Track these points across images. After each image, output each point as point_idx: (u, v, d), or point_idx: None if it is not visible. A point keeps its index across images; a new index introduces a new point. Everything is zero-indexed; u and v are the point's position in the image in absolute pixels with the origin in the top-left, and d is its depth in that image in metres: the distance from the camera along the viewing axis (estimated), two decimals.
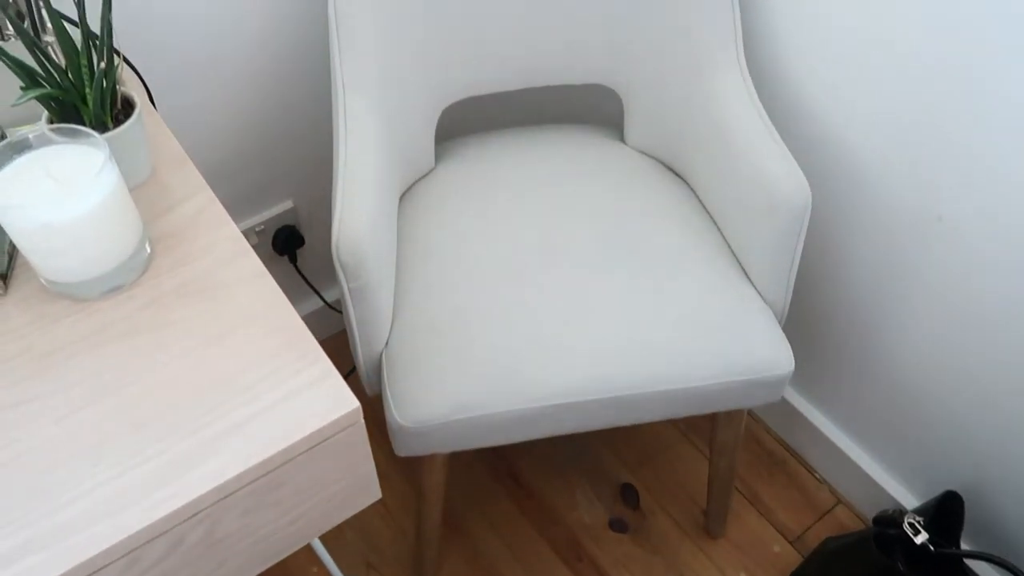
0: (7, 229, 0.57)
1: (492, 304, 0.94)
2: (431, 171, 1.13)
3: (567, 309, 0.94)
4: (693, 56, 1.04)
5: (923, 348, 1.04)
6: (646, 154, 1.16)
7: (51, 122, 0.65)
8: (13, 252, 0.65)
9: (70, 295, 0.62)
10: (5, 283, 0.63)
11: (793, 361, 0.94)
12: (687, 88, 1.05)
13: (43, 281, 0.62)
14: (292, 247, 1.29)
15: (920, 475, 1.14)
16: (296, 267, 1.33)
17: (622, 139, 1.19)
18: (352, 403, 0.56)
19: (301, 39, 1.10)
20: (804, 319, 1.20)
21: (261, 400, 0.56)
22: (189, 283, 0.63)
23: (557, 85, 1.29)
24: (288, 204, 1.26)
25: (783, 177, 0.92)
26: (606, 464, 1.31)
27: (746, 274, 1.01)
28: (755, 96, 1.00)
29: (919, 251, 0.99)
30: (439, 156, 1.16)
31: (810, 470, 1.30)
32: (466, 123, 1.35)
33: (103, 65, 0.60)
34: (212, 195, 0.68)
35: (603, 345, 0.92)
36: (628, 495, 1.28)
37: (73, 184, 0.57)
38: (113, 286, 0.62)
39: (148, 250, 0.64)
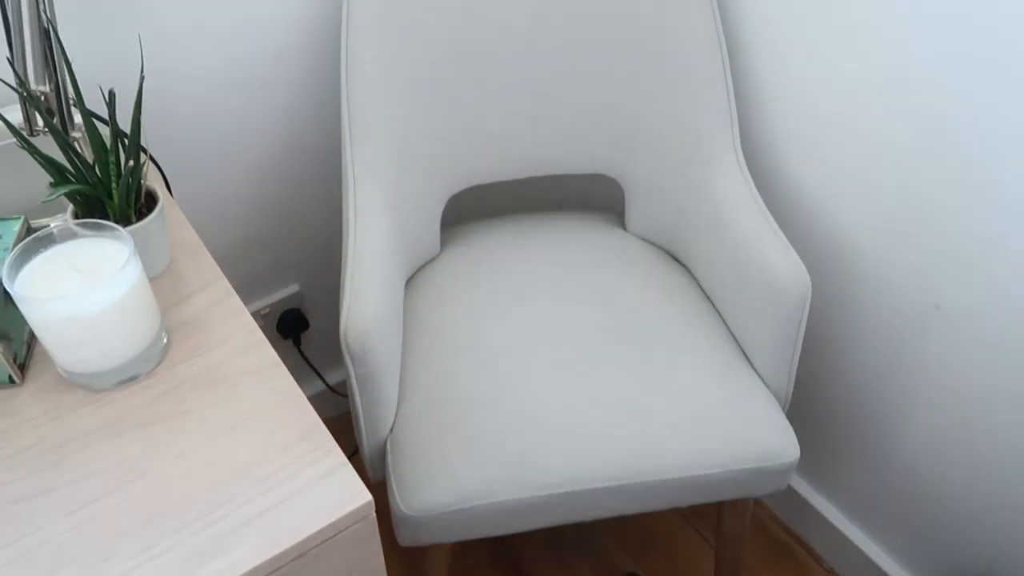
0: (30, 320, 0.58)
1: (498, 391, 0.95)
2: (436, 257, 1.16)
3: (572, 397, 0.94)
4: (692, 148, 1.08)
5: (929, 436, 1.04)
6: (647, 241, 1.18)
7: (76, 216, 0.67)
8: (32, 341, 0.66)
9: (87, 385, 0.62)
10: (23, 372, 0.63)
11: (798, 449, 0.94)
12: (686, 178, 1.09)
13: (60, 371, 0.63)
14: (297, 330, 1.30)
15: (929, 565, 1.12)
16: (300, 350, 1.33)
17: (623, 226, 1.21)
18: (364, 496, 0.56)
19: (311, 131, 1.14)
20: (808, 405, 1.21)
21: (274, 493, 0.56)
22: (204, 373, 0.63)
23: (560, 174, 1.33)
24: (294, 287, 1.28)
25: (783, 266, 0.94)
26: (610, 552, 1.29)
27: (749, 361, 1.02)
28: (752, 186, 1.03)
29: (919, 339, 1.00)
30: (444, 242, 1.18)
31: (817, 559, 1.28)
32: (471, 208, 1.38)
33: (131, 163, 0.63)
34: (228, 285, 0.70)
35: (609, 434, 0.92)
36: None
37: (97, 277, 0.59)
38: (130, 376, 0.63)
39: (165, 339, 0.65)
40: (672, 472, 0.91)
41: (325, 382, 1.39)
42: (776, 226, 0.98)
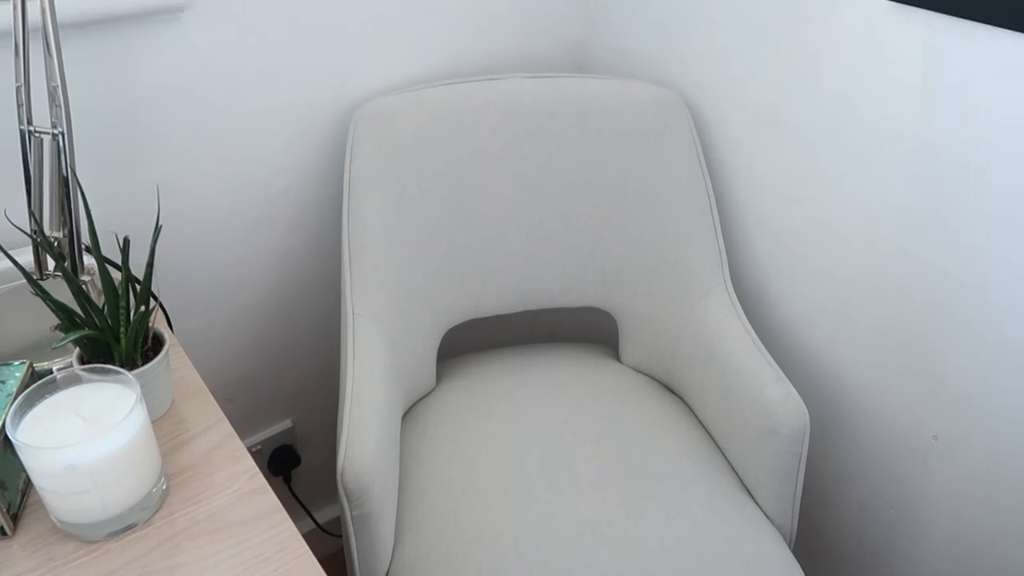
0: (30, 469, 0.57)
1: (497, 532, 0.92)
2: (433, 390, 1.15)
3: (574, 539, 0.92)
4: (682, 282, 1.10)
5: (939, 566, 1.02)
6: (642, 372, 1.19)
7: (82, 359, 0.67)
8: (27, 489, 0.64)
9: (81, 536, 0.60)
10: (15, 522, 0.61)
11: None
12: (678, 312, 1.11)
13: (55, 520, 0.61)
14: (288, 467, 1.28)
15: None
16: (290, 488, 1.30)
17: (617, 357, 1.22)
18: None
19: (311, 267, 1.16)
20: (814, 542, 1.18)
21: None
22: (203, 521, 0.62)
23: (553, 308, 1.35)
24: (287, 423, 1.26)
25: (780, 400, 0.95)
26: None
27: (751, 495, 1.00)
28: (744, 319, 1.05)
29: (918, 470, 1.00)
30: (440, 376, 1.18)
31: None
32: (465, 341, 1.39)
33: (143, 308, 0.64)
34: (230, 428, 0.69)
35: (611, 574, 0.89)
36: None
37: (101, 424, 0.58)
38: (126, 525, 0.61)
39: (164, 486, 0.64)
40: None
41: (316, 521, 1.34)
42: (771, 358, 0.99)
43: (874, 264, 0.97)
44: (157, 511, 0.63)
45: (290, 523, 0.61)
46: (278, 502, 0.63)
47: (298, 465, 1.30)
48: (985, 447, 0.92)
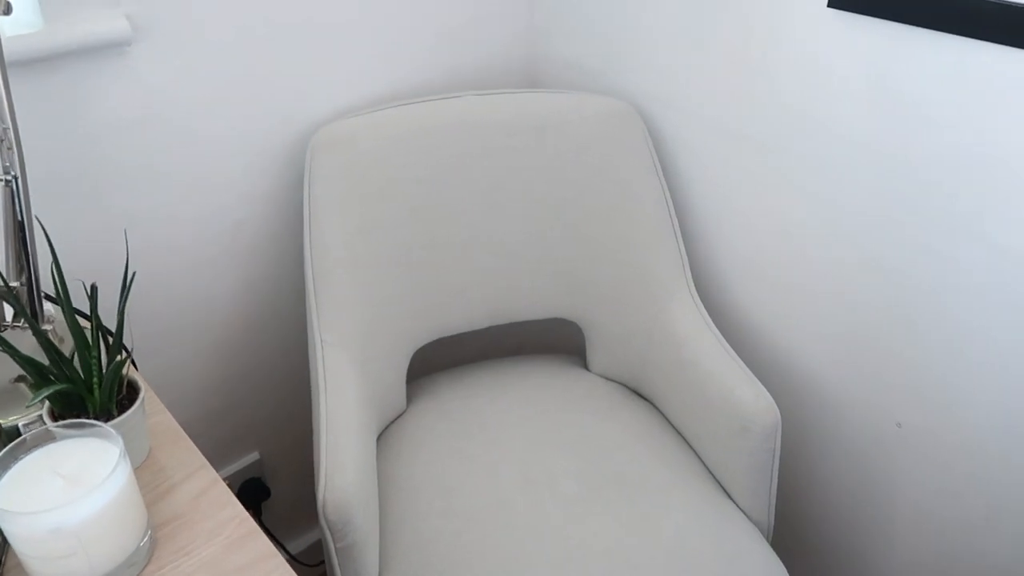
0: (10, 535, 0.54)
1: (484, 554, 0.92)
2: (403, 413, 1.14)
3: (559, 554, 0.92)
4: (647, 290, 1.12)
5: (911, 555, 1.05)
6: (610, 379, 1.20)
7: (53, 413, 0.64)
8: (3, 553, 0.61)
9: None
10: None
11: None
12: (645, 320, 1.12)
13: None
14: (258, 500, 1.25)
15: None
16: (260, 520, 1.27)
17: (585, 366, 1.23)
18: None
19: (269, 300, 1.14)
20: (790, 534, 1.21)
21: None
22: (196, 572, 0.60)
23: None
24: (255, 455, 1.24)
25: (751, 400, 0.97)
26: None
27: (728, 494, 1.02)
28: (711, 323, 1.07)
29: (885, 458, 1.03)
30: (409, 397, 1.17)
31: None
32: (432, 359, 1.38)
33: (118, 358, 0.61)
34: (214, 473, 0.67)
35: None
36: None
37: (84, 482, 0.56)
38: None
39: (150, 540, 0.62)
40: None
41: (289, 553, 1.32)
42: (740, 361, 1.02)
43: (832, 265, 1.00)
44: (145, 566, 0.61)
45: (286, 566, 0.60)
46: (271, 546, 0.62)
47: (268, 497, 1.27)
48: (945, 434, 0.95)
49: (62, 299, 0.62)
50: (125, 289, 0.63)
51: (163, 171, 0.95)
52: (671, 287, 1.11)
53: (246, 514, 0.64)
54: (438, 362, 1.39)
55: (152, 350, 1.03)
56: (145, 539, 0.61)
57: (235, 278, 1.08)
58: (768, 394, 0.97)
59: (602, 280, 1.15)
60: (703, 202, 1.12)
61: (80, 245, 0.91)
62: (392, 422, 1.13)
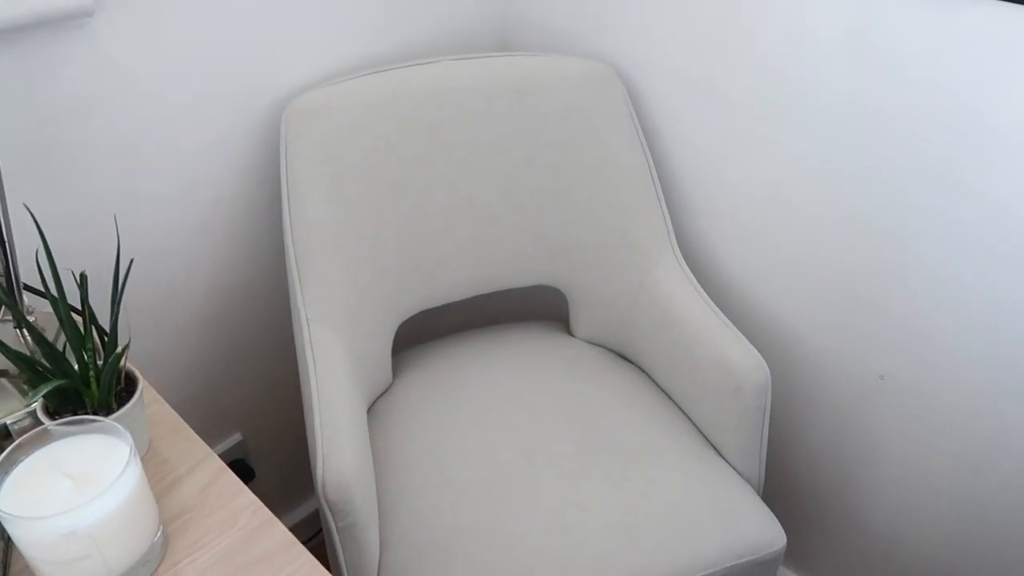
0: (20, 542, 0.52)
1: (484, 526, 0.92)
2: (390, 387, 1.13)
3: (560, 521, 0.93)
4: (631, 254, 1.12)
5: (894, 504, 1.09)
6: (596, 344, 1.21)
7: (48, 409, 0.61)
8: (7, 557, 0.59)
9: None
10: None
11: (784, 536, 0.96)
12: (630, 284, 1.12)
13: None
14: (243, 481, 1.22)
15: None
16: None
17: (569, 331, 1.23)
18: None
19: (248, 279, 1.11)
20: (778, 488, 1.24)
21: None
22: (214, 567, 0.58)
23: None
24: (237, 437, 1.21)
25: (740, 359, 0.98)
26: None
27: (719, 452, 1.04)
28: (697, 285, 1.08)
29: (868, 409, 1.06)
30: (395, 370, 1.16)
31: None
32: (415, 331, 1.37)
33: (118, 349, 0.59)
34: (220, 463, 0.65)
35: (604, 552, 0.90)
36: None
37: (93, 481, 0.54)
38: None
39: (162, 536, 0.60)
40: None
41: None
42: (727, 320, 1.02)
43: (815, 223, 1.01)
44: (160, 564, 0.59)
45: (308, 555, 0.59)
46: (291, 535, 0.60)
47: (252, 478, 1.25)
48: (930, 387, 0.98)
49: (57, 288, 0.59)
50: (119, 279, 0.60)
51: (132, 149, 0.91)
52: (655, 250, 1.11)
53: (259, 503, 0.62)
54: (422, 334, 1.37)
55: (129, 335, 0.99)
56: (158, 535, 0.59)
57: (213, 257, 1.04)
58: (757, 353, 0.98)
59: (585, 245, 1.15)
60: (685, 164, 1.12)
61: (48, 229, 0.86)
62: (379, 397, 1.12)
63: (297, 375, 1.26)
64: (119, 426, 0.55)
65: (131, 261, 0.60)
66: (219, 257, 1.05)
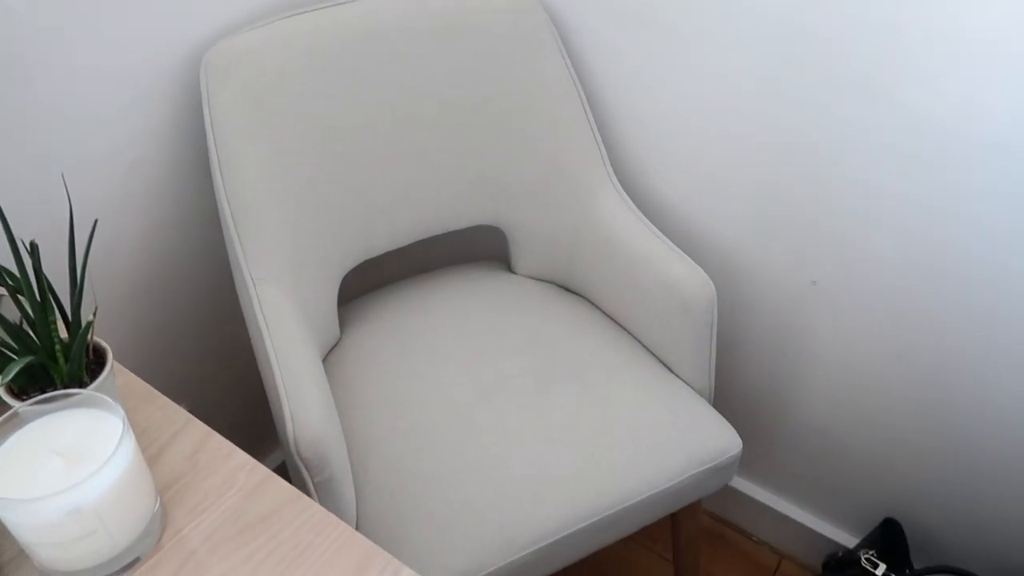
0: (16, 527, 0.49)
1: (455, 465, 0.93)
2: (339, 340, 1.11)
3: (528, 450, 0.95)
4: (569, 186, 1.13)
5: (827, 403, 1.17)
6: (538, 279, 1.22)
7: (12, 390, 0.57)
8: None
9: None
10: None
11: (740, 441, 1.02)
12: (571, 215, 1.14)
13: (54, 574, 0.53)
14: None
15: (848, 514, 1.25)
16: None
17: (510, 269, 1.24)
18: None
19: (182, 242, 1.05)
20: (726, 393, 1.30)
21: None
22: (219, 530, 0.57)
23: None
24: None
25: (687, 277, 1.02)
26: None
27: (670, 369, 1.08)
28: (636, 210, 1.10)
29: (803, 313, 1.12)
30: (341, 322, 1.14)
31: (746, 534, 1.38)
32: (355, 285, 1.34)
33: (91, 318, 0.55)
34: (204, 427, 0.63)
35: (574, 474, 0.93)
36: None
37: (87, 457, 0.51)
38: (133, 559, 0.55)
39: (160, 506, 0.58)
40: (640, 494, 0.95)
41: None
42: (671, 243, 1.06)
43: (743, 140, 1.04)
44: (163, 533, 0.57)
45: (318, 506, 0.58)
46: (295, 489, 0.59)
47: None
48: (859, 286, 1.05)
49: (16, 260, 0.54)
50: (75, 243, 0.55)
51: (39, 111, 0.84)
52: (593, 180, 1.12)
53: (255, 461, 0.61)
54: (363, 286, 1.35)
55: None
56: (157, 506, 0.56)
57: (139, 225, 0.98)
58: (702, 271, 1.02)
59: (523, 182, 1.15)
60: (615, 92, 1.13)
61: None
62: (330, 351, 1.10)
63: (239, 336, 1.21)
64: (106, 397, 0.52)
65: (95, 221, 0.56)
66: (146, 221, 0.99)
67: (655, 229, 1.07)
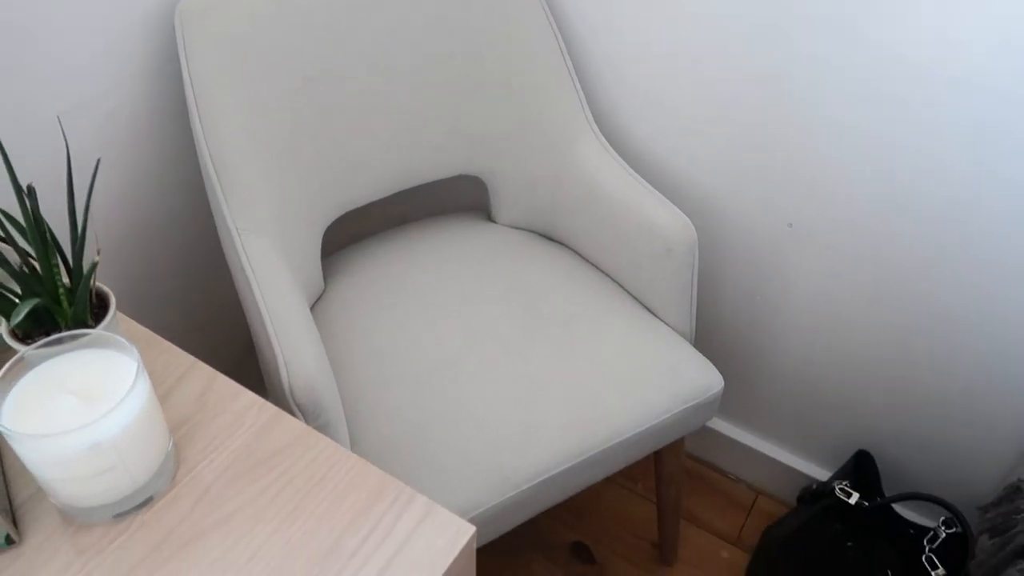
0: (34, 463, 0.49)
1: (447, 411, 0.95)
2: (324, 292, 1.11)
3: (521, 394, 0.97)
4: (549, 135, 1.13)
5: (801, 341, 1.20)
6: (519, 228, 1.23)
7: (15, 334, 0.57)
8: (7, 489, 0.55)
9: (103, 518, 0.54)
10: (17, 527, 0.53)
11: (721, 379, 1.05)
12: (551, 163, 1.14)
13: (66, 511, 0.54)
14: None
15: (822, 449, 1.30)
16: None
17: (490, 218, 1.25)
18: (468, 528, 0.55)
19: (164, 195, 1.04)
20: (707, 335, 1.33)
21: (375, 560, 0.53)
22: (232, 466, 0.58)
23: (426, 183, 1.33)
24: None
25: (668, 222, 1.04)
26: (550, 531, 1.34)
27: (653, 313, 1.10)
28: (618, 157, 1.11)
29: (779, 255, 1.15)
30: (325, 274, 1.14)
31: (723, 473, 1.42)
32: (337, 237, 1.34)
33: (96, 259, 0.55)
34: (210, 369, 0.63)
35: (565, 415, 0.96)
36: (581, 552, 1.31)
37: (100, 395, 0.51)
38: (148, 496, 0.55)
39: (173, 446, 0.58)
40: (627, 431, 0.97)
41: None
42: (652, 188, 1.07)
43: (721, 83, 1.06)
44: (177, 471, 0.57)
45: (328, 439, 0.59)
46: (305, 425, 0.60)
47: None
48: (833, 227, 1.08)
49: (20, 201, 0.53)
50: (72, 184, 0.55)
51: (11, 63, 0.81)
52: (573, 127, 1.13)
53: (263, 400, 0.61)
54: (344, 239, 1.35)
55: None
56: (171, 444, 0.57)
57: (119, 177, 0.96)
58: (683, 215, 1.04)
59: (503, 130, 1.15)
60: (594, 37, 1.13)
61: None
62: (315, 303, 1.10)
63: (230, 286, 1.21)
64: (117, 336, 0.53)
65: (97, 161, 0.55)
66: (127, 176, 0.97)
67: (636, 175, 1.09)
